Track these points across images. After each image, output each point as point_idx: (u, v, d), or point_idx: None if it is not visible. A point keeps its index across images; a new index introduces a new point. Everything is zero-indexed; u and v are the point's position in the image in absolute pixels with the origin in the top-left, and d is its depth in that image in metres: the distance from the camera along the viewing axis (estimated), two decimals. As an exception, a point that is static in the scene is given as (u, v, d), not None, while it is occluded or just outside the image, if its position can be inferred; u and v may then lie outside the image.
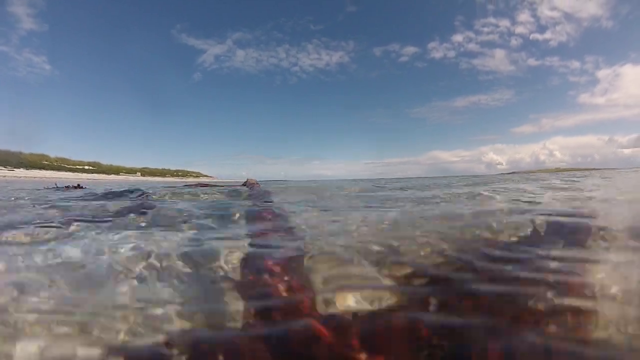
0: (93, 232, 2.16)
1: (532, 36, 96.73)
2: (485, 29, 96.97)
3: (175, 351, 1.03)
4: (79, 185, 6.82)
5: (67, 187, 6.33)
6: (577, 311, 1.13)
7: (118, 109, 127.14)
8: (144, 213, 2.86)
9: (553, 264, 1.43)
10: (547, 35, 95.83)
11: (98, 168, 73.05)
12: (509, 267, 1.40)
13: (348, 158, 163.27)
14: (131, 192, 4.91)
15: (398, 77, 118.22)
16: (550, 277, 1.29)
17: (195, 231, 2.20)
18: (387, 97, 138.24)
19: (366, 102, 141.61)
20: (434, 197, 4.04)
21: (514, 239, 1.81)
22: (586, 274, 1.37)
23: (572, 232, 1.86)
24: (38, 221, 2.45)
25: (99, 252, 1.68)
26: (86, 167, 71.30)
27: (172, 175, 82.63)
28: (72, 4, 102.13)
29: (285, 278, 1.39)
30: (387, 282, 1.37)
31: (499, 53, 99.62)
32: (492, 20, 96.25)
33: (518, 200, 3.37)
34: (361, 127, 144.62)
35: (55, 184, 6.55)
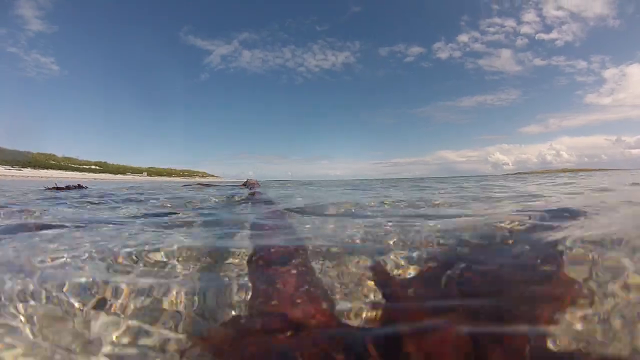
0: None
1: (537, 36, 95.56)
2: (491, 29, 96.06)
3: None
4: (79, 185, 6.77)
5: (68, 186, 6.27)
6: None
7: (125, 110, 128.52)
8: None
9: None
10: (553, 34, 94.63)
11: (105, 168, 73.69)
12: None
13: (355, 158, 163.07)
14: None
15: (404, 78, 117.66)
16: None
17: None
18: (393, 97, 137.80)
19: (372, 103, 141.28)
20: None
21: None
22: None
23: None
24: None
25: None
26: (93, 167, 71.98)
27: (178, 175, 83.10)
28: (80, 6, 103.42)
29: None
30: None
31: (505, 53, 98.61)
32: (497, 20, 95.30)
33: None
34: (367, 127, 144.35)
35: (55, 184, 6.49)
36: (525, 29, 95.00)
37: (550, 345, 1.03)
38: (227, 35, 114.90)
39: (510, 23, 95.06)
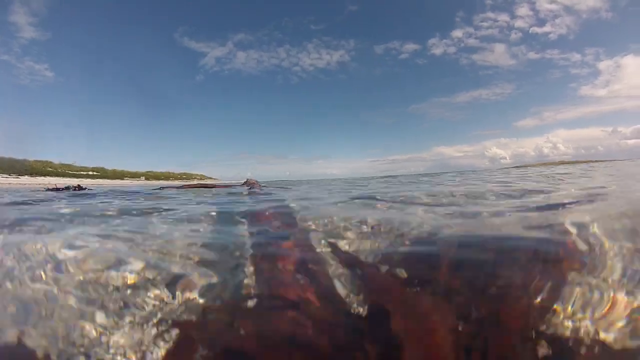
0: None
1: (531, 30, 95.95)
2: (485, 24, 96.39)
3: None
4: (79, 186, 6.79)
5: (67, 187, 6.33)
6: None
7: (122, 114, 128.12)
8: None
9: None
10: (547, 28, 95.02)
11: (102, 173, 73.41)
12: None
13: (352, 156, 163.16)
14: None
15: (399, 75, 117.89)
16: None
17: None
18: (388, 94, 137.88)
19: (368, 100, 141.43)
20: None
21: None
22: None
23: None
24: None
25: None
26: (90, 173, 71.70)
27: (176, 179, 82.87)
28: (74, 12, 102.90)
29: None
30: None
31: (499, 47, 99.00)
32: (491, 14, 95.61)
33: None
34: (364, 125, 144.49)
35: (56, 185, 6.58)
36: (519, 23, 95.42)
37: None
38: (222, 37, 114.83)
39: (503, 17, 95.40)
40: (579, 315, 1.17)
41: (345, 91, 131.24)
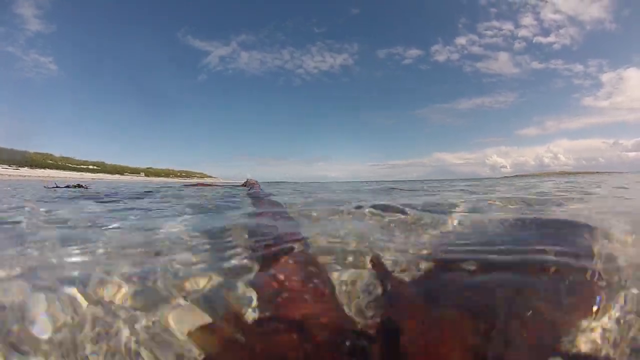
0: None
1: (535, 39, 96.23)
2: (489, 32, 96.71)
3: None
4: (79, 185, 6.75)
5: (67, 186, 6.31)
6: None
7: (124, 110, 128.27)
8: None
9: None
10: (551, 38, 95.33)
11: (102, 168, 73.48)
12: None
13: (353, 160, 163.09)
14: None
15: (401, 80, 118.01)
16: None
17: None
18: (390, 99, 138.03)
19: (370, 104, 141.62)
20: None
21: None
22: None
23: None
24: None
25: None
26: (90, 167, 71.76)
27: (176, 176, 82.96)
28: (79, 6, 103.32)
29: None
30: None
31: (503, 56, 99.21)
32: (495, 23, 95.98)
33: None
34: (365, 129, 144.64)
35: (55, 184, 6.53)
36: (523, 32, 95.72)
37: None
38: (226, 37, 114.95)
39: (508, 26, 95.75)
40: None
41: (347, 95, 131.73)
